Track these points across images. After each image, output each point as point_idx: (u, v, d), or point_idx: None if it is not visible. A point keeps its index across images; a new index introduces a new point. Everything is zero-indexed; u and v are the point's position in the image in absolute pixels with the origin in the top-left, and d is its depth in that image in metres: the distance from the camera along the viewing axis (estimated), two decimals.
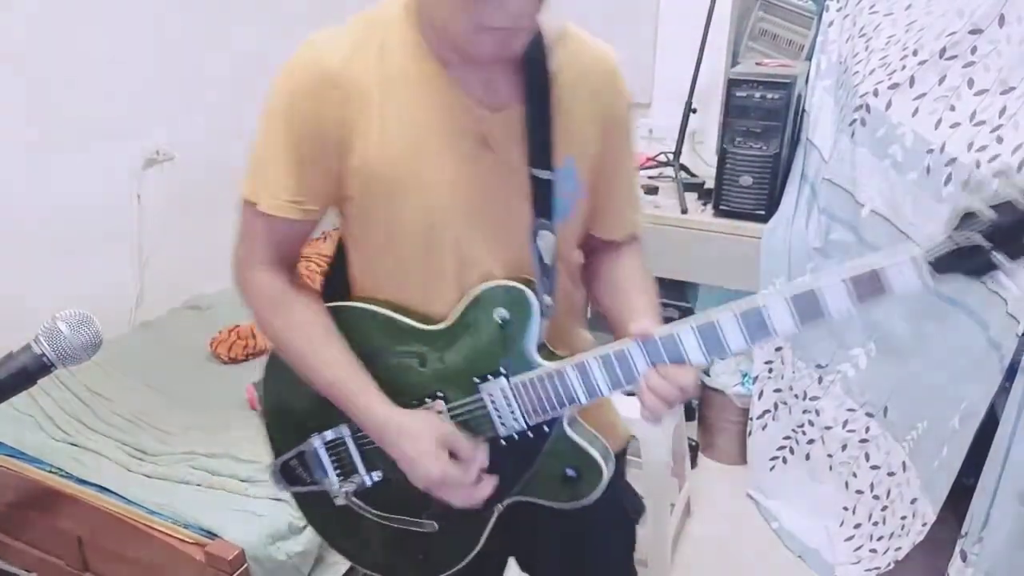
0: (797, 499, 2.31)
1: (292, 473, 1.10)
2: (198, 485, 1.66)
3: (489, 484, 0.96)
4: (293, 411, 1.08)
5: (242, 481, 1.67)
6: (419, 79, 0.89)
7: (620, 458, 1.16)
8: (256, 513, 1.57)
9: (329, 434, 1.04)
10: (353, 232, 1.01)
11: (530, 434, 0.98)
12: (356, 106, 0.88)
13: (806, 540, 2.21)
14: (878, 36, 2.09)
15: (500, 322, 0.95)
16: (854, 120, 2.07)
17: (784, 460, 2.36)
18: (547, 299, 0.97)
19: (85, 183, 2.22)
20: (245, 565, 1.48)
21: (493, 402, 0.96)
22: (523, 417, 0.96)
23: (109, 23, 2.22)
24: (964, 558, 1.62)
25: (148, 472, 1.71)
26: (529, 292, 0.94)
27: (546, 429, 0.97)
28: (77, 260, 2.21)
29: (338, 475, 1.06)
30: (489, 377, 0.96)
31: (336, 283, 1.08)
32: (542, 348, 0.96)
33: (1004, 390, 1.60)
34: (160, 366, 2.16)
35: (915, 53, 1.93)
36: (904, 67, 1.94)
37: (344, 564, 1.68)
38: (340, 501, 1.07)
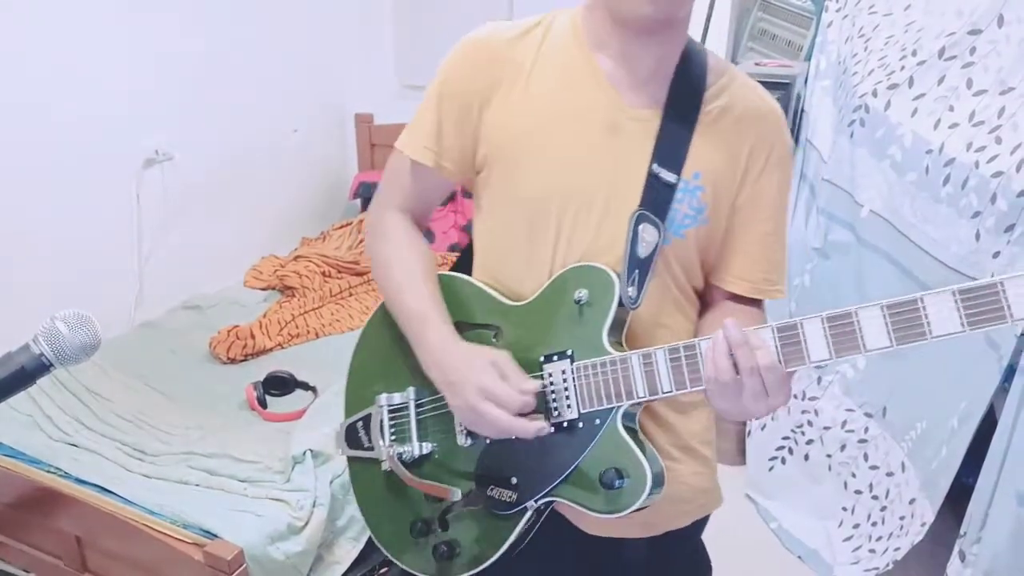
0: (796, 499, 2.32)
1: (355, 436, 1.12)
2: (197, 485, 1.66)
3: (538, 422, 0.92)
4: (375, 373, 1.11)
5: (241, 481, 1.67)
6: (570, 64, 0.97)
7: (696, 535, 1.14)
8: (255, 513, 1.57)
9: (397, 396, 1.07)
10: (479, 205, 1.06)
11: (581, 424, 0.94)
12: (506, 76, 0.97)
13: (805, 540, 2.21)
14: (877, 36, 2.09)
15: (578, 302, 0.94)
16: (853, 120, 2.07)
17: (783, 460, 2.36)
18: (632, 291, 0.94)
19: (85, 183, 2.23)
20: (244, 565, 1.48)
21: (552, 383, 0.95)
22: (577, 404, 0.93)
23: (109, 23, 2.22)
24: (963, 558, 1.63)
25: (147, 472, 1.71)
26: (613, 275, 0.93)
27: (598, 422, 0.93)
28: (76, 260, 2.21)
29: (393, 440, 1.07)
30: (555, 357, 0.95)
31: (463, 263, 1.13)
32: (616, 341, 0.95)
33: (1003, 390, 1.61)
34: (159, 366, 2.16)
35: (914, 53, 1.93)
36: (903, 67, 1.94)
37: (344, 564, 1.68)
38: (386, 465, 1.07)
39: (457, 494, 1.01)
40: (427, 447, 1.05)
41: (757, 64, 2.44)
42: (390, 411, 1.08)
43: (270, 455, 1.74)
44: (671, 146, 0.95)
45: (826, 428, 2.21)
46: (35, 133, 2.09)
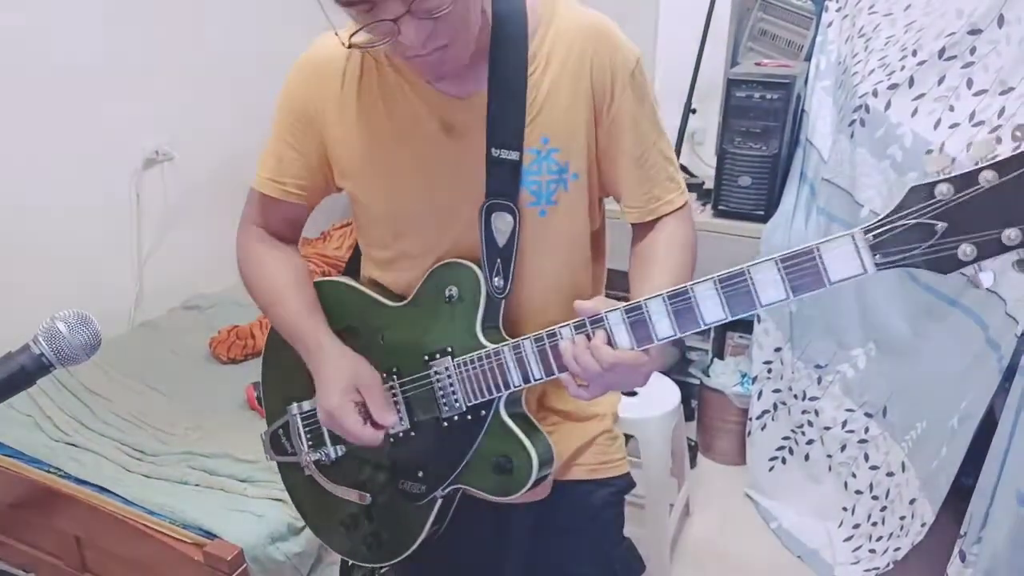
0: (796, 499, 2.31)
1: (279, 443, 1.16)
2: (197, 485, 1.66)
3: (380, 433, 0.98)
4: (283, 382, 1.14)
5: (241, 481, 1.67)
6: (387, 76, 0.95)
7: (615, 507, 1.13)
8: (255, 513, 1.57)
9: (306, 404, 1.10)
10: (353, 215, 1.09)
11: (469, 417, 0.98)
12: (336, 96, 0.96)
13: (805, 540, 2.21)
14: (877, 36, 2.09)
15: (449, 299, 0.98)
16: (853, 120, 2.07)
17: (783, 460, 2.36)
18: (499, 281, 0.95)
19: (85, 183, 2.23)
20: (244, 565, 1.47)
21: (438, 380, 0.99)
22: (463, 398, 0.97)
23: (109, 22, 2.22)
24: (963, 558, 1.62)
25: (147, 472, 1.70)
26: (476, 269, 0.95)
27: (483, 413, 0.97)
28: (76, 260, 2.21)
29: (310, 446, 1.11)
30: (438, 355, 0.98)
31: (352, 271, 1.16)
32: (493, 330, 0.96)
33: (1003, 390, 1.60)
34: (159, 366, 2.16)
35: (914, 53, 1.93)
36: (903, 67, 1.95)
37: None
38: (306, 472, 1.13)
39: (368, 498, 1.08)
40: (341, 449, 1.10)
41: (757, 64, 2.44)
42: (303, 418, 1.11)
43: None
44: (504, 124, 0.92)
45: (826, 428, 2.21)
46: (35, 133, 2.09)
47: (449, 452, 1.00)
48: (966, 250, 0.61)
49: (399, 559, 1.09)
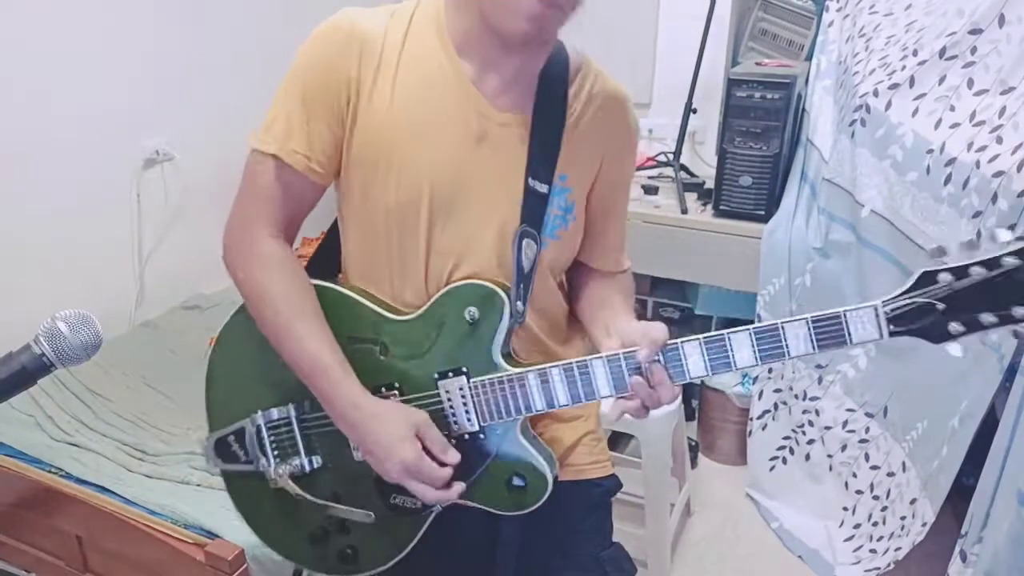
0: (797, 499, 2.32)
1: (227, 450, 1.08)
2: (198, 485, 1.66)
3: (459, 486, 0.95)
4: (242, 385, 1.07)
5: None
6: (435, 67, 0.92)
7: (604, 508, 1.15)
8: None
9: (275, 412, 1.03)
10: (342, 212, 1.03)
11: (481, 435, 0.97)
12: (371, 73, 0.91)
13: (806, 540, 2.21)
14: (878, 36, 2.09)
15: (470, 320, 0.95)
16: (854, 120, 2.07)
17: (784, 460, 2.36)
18: (520, 306, 0.97)
19: (85, 183, 2.23)
20: (245, 565, 1.47)
21: (449, 400, 0.96)
22: (477, 418, 0.96)
23: (109, 22, 2.22)
24: (964, 558, 1.62)
25: (148, 472, 1.70)
26: (503, 294, 0.94)
27: (499, 432, 0.97)
28: (77, 260, 2.21)
29: (276, 457, 1.05)
30: (450, 374, 0.96)
31: (320, 265, 1.10)
32: (507, 355, 0.97)
33: (1004, 390, 1.61)
34: (160, 366, 2.16)
35: (915, 53, 1.93)
36: (904, 67, 1.94)
37: None
38: (277, 484, 1.05)
39: (371, 516, 1.02)
40: (317, 461, 1.04)
41: (758, 64, 2.44)
42: (269, 428, 1.04)
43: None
44: (543, 157, 0.95)
45: (827, 428, 2.21)
46: (35, 133, 2.09)
47: (456, 469, 0.97)
48: (956, 327, 0.76)
49: (378, 571, 1.06)
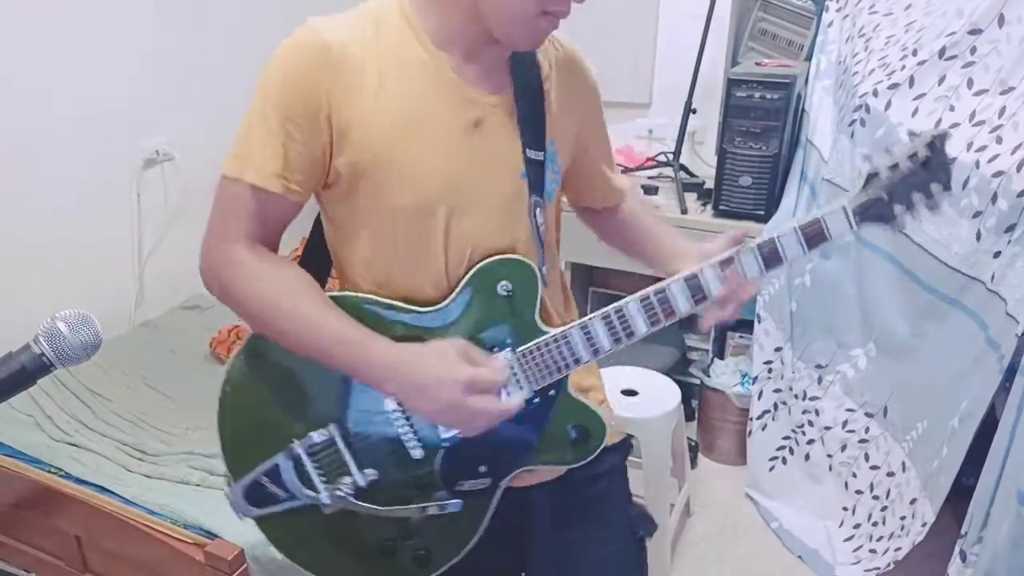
0: (797, 499, 2.32)
1: (261, 492, 1.01)
2: (197, 485, 1.66)
3: (520, 394, 0.97)
4: (265, 423, 1.02)
5: None
6: (415, 62, 0.93)
7: (623, 471, 1.19)
8: None
9: (315, 436, 0.99)
10: (337, 217, 1.00)
11: (536, 400, 0.99)
12: (349, 81, 0.90)
13: (806, 540, 2.21)
14: (877, 36, 2.09)
15: (505, 294, 0.97)
16: (854, 120, 2.07)
17: (784, 460, 2.36)
18: (544, 270, 1.01)
19: (85, 183, 2.23)
20: (245, 565, 1.48)
21: None
22: (528, 386, 0.98)
23: (109, 22, 2.22)
24: (964, 558, 1.62)
25: (148, 472, 1.70)
26: (531, 262, 0.98)
27: (552, 393, 1.00)
28: (77, 260, 2.22)
29: (323, 482, 1.00)
30: (495, 349, 0.97)
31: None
32: (541, 318, 1.00)
33: (1004, 390, 1.60)
34: (160, 366, 2.16)
35: (914, 53, 1.93)
36: (904, 67, 1.94)
37: None
38: (332, 509, 1.01)
39: (458, 505, 1.01)
40: (370, 473, 1.00)
41: (757, 64, 2.44)
42: (310, 453, 1.00)
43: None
44: (533, 127, 0.99)
45: (827, 428, 2.21)
46: (36, 133, 2.09)
47: (517, 438, 1.00)
48: (899, 208, 0.95)
49: (451, 562, 1.06)
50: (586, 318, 0.97)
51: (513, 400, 0.95)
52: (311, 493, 1.00)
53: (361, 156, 0.92)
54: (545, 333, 0.98)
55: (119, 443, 1.80)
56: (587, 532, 1.13)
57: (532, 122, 0.99)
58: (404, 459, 1.00)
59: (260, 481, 1.01)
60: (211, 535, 1.51)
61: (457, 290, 0.97)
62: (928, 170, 0.94)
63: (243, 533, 1.51)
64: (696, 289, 0.96)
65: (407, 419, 0.99)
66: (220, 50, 2.54)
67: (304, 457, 1.00)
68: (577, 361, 0.98)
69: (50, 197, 2.14)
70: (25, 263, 2.09)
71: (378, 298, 0.98)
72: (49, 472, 1.69)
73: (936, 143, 0.95)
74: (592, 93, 1.11)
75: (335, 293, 0.99)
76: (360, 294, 0.99)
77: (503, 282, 0.97)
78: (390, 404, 0.98)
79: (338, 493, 1.00)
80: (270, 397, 1.01)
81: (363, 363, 0.93)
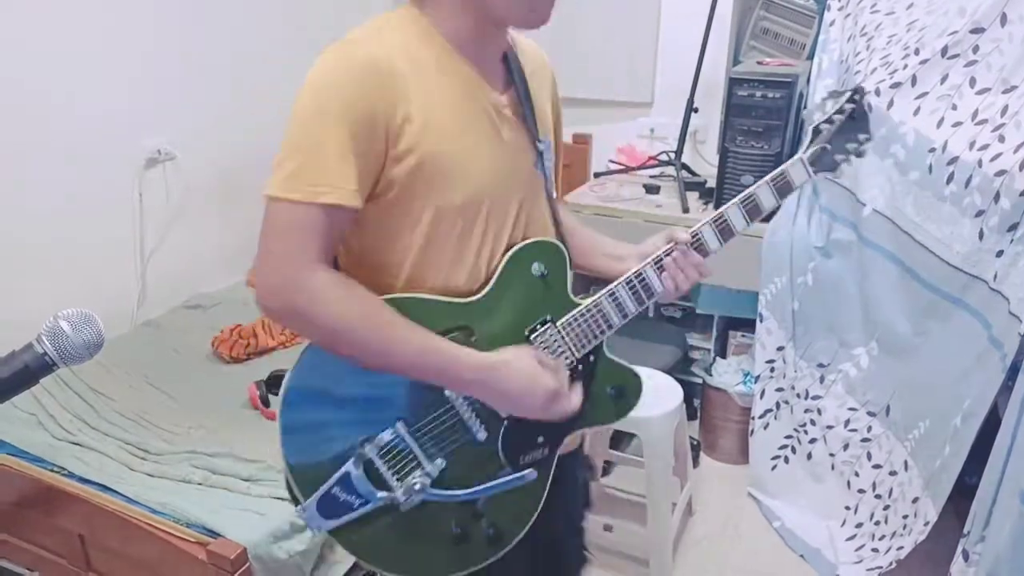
0: (799, 498, 2.31)
1: (335, 504, 1.03)
2: (200, 484, 1.66)
3: (577, 391, 1.06)
4: (330, 433, 1.03)
5: (244, 480, 1.67)
6: (446, 67, 0.97)
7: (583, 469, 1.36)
8: (258, 512, 1.57)
9: (386, 435, 1.01)
10: (369, 226, 0.99)
11: (580, 367, 1.09)
12: (398, 90, 0.93)
13: (808, 539, 2.21)
14: (880, 35, 2.09)
15: (540, 275, 1.06)
16: None
17: (786, 459, 2.36)
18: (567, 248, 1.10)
19: (87, 182, 2.23)
20: (247, 564, 1.48)
21: (546, 348, 1.06)
22: (572, 355, 1.08)
23: (109, 22, 2.22)
24: (966, 557, 1.62)
25: (150, 471, 1.71)
26: (559, 242, 1.09)
27: (592, 358, 1.10)
28: (79, 259, 2.22)
29: (396, 480, 1.03)
30: (538, 327, 1.06)
31: None
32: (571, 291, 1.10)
33: (1006, 389, 1.60)
34: (162, 365, 2.17)
35: (917, 52, 1.93)
36: (906, 66, 1.94)
37: (345, 563, 1.69)
38: (409, 505, 1.03)
39: (534, 474, 1.09)
40: (440, 462, 1.05)
41: (759, 63, 2.44)
42: (381, 454, 1.02)
43: (273, 454, 1.74)
44: (532, 120, 1.07)
45: (829, 427, 2.21)
46: (37, 133, 2.09)
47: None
48: (840, 157, 1.15)
49: (520, 536, 1.10)
50: (612, 285, 1.09)
51: (575, 397, 1.06)
52: (385, 493, 1.03)
53: (422, 161, 0.94)
54: (578, 305, 1.08)
55: (122, 442, 1.81)
56: (567, 510, 1.27)
57: (530, 115, 1.06)
58: (469, 443, 1.06)
59: (332, 492, 1.02)
60: (213, 534, 1.52)
61: (496, 277, 1.04)
62: (854, 121, 1.12)
63: (245, 532, 1.51)
64: (698, 244, 1.16)
65: (469, 403, 1.04)
66: (220, 50, 2.54)
67: (376, 459, 1.02)
68: (610, 327, 1.08)
69: (52, 197, 2.14)
70: (27, 263, 2.10)
71: (421, 296, 1.01)
72: (52, 471, 1.69)
73: (855, 97, 1.13)
74: (554, 82, 1.19)
75: (390, 297, 0.99)
76: (405, 295, 1.01)
77: (535, 263, 1.06)
78: (451, 392, 1.03)
79: (415, 486, 1.03)
80: (330, 411, 1.02)
81: (452, 374, 1.00)
